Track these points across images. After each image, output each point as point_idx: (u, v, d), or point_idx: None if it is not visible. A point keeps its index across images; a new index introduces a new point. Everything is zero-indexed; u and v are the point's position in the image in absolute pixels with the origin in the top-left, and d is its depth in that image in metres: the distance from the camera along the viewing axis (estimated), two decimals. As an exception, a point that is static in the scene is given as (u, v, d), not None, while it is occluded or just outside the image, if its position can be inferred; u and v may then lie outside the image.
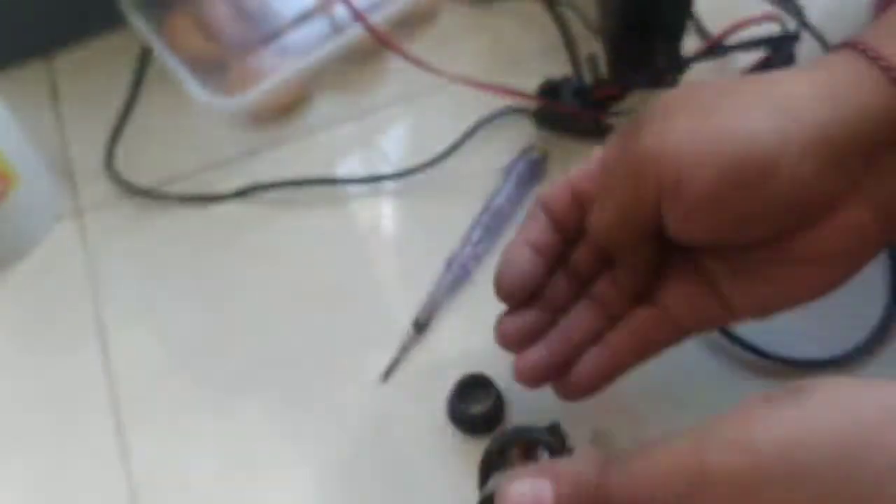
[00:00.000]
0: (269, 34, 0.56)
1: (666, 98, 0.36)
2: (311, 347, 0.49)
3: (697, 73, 0.54)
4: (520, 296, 0.40)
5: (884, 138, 0.33)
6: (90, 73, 0.59)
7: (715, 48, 0.53)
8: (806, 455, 0.27)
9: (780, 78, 0.35)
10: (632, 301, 0.40)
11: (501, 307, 0.43)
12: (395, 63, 0.56)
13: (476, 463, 0.43)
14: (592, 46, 0.56)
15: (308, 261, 0.52)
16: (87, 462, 0.47)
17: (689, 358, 0.47)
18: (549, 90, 0.53)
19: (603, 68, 0.54)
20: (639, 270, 0.39)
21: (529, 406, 0.46)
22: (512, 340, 0.41)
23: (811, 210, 0.34)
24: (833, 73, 0.34)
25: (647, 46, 0.52)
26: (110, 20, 0.57)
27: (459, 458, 0.45)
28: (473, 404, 0.46)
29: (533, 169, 0.52)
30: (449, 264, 0.50)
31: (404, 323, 0.49)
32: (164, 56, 0.54)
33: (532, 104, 0.54)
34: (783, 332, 0.46)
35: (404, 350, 0.48)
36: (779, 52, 0.53)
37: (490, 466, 0.41)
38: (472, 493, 0.44)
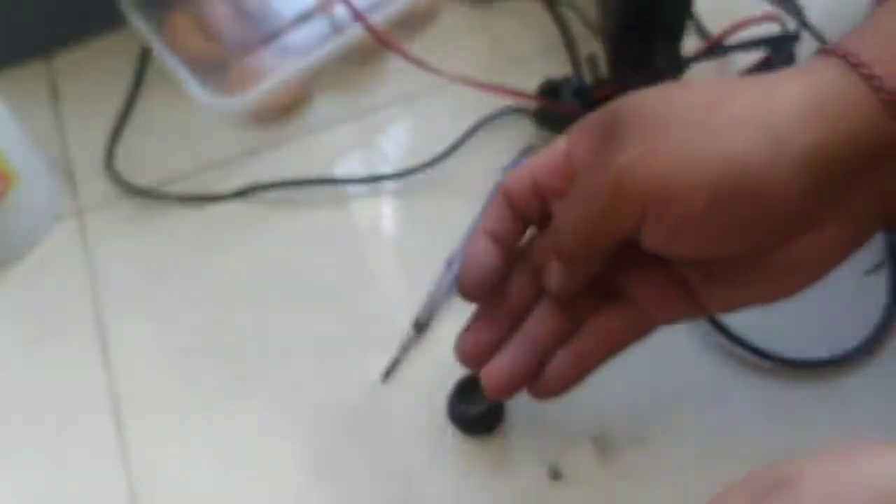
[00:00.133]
0: (269, 34, 0.56)
1: (644, 107, 0.34)
2: (311, 347, 0.49)
3: (697, 72, 0.54)
4: (481, 294, 0.40)
5: (871, 161, 0.33)
6: (90, 73, 0.59)
7: (715, 48, 0.53)
8: None
9: (767, 89, 0.33)
10: (598, 298, 0.39)
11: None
12: (395, 63, 0.56)
13: (476, 463, 0.43)
14: (592, 46, 0.56)
15: (308, 261, 0.52)
16: (87, 462, 0.47)
17: (689, 358, 0.47)
18: (549, 90, 0.53)
19: (603, 68, 0.54)
20: (591, 274, 0.38)
21: (529, 406, 0.46)
22: (471, 357, 0.40)
23: (794, 227, 0.34)
24: (822, 87, 0.33)
25: (647, 46, 0.52)
26: (110, 20, 0.57)
27: (459, 458, 0.45)
28: (473, 404, 0.46)
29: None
30: (449, 264, 0.50)
31: (404, 323, 0.49)
32: (164, 56, 0.54)
33: (532, 104, 0.54)
34: (783, 332, 0.46)
35: (404, 350, 0.48)
36: (779, 52, 0.53)
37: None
38: (472, 493, 0.45)
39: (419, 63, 0.53)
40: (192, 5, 0.56)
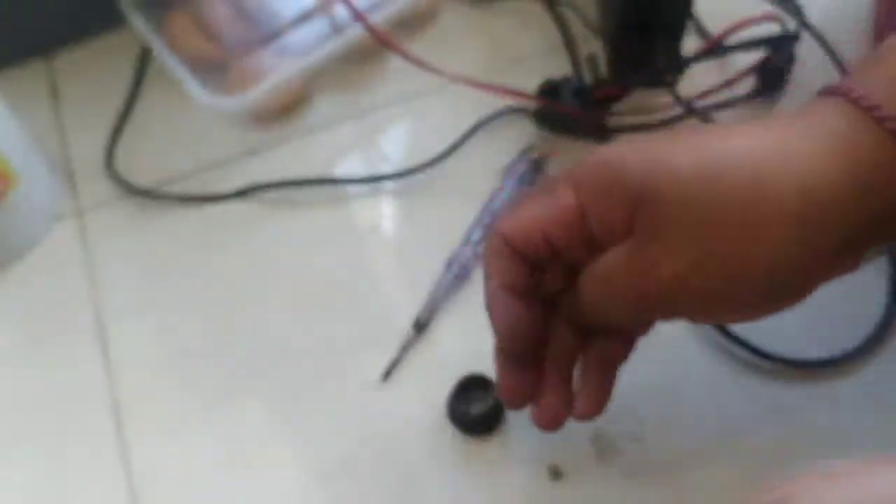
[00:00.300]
0: (269, 34, 0.56)
1: (677, 201, 0.33)
2: (311, 347, 0.49)
3: (697, 72, 0.54)
4: (527, 351, 0.40)
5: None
6: (90, 73, 0.59)
7: (715, 48, 0.53)
8: None
9: (799, 170, 0.32)
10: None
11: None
12: (395, 63, 0.56)
13: (476, 463, 0.43)
14: (592, 46, 0.56)
15: (308, 261, 0.52)
16: (87, 462, 0.47)
17: (689, 358, 0.47)
18: (549, 90, 0.53)
19: (603, 68, 0.54)
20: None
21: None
22: (517, 401, 0.41)
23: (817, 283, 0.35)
24: (860, 159, 0.32)
25: (647, 46, 0.52)
26: (110, 20, 0.57)
27: (459, 458, 0.45)
28: (473, 404, 0.46)
29: (533, 169, 0.52)
30: (449, 264, 0.50)
31: (404, 323, 0.49)
32: (164, 56, 0.54)
33: (532, 104, 0.54)
34: (783, 332, 0.46)
35: (404, 350, 0.48)
36: (779, 52, 0.53)
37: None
38: (472, 493, 0.45)
39: (419, 63, 0.53)
40: (192, 5, 0.56)
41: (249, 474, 0.46)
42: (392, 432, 0.46)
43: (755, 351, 0.46)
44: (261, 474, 0.46)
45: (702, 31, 0.57)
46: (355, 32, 0.54)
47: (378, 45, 0.55)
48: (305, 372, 0.48)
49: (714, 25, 0.56)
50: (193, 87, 0.53)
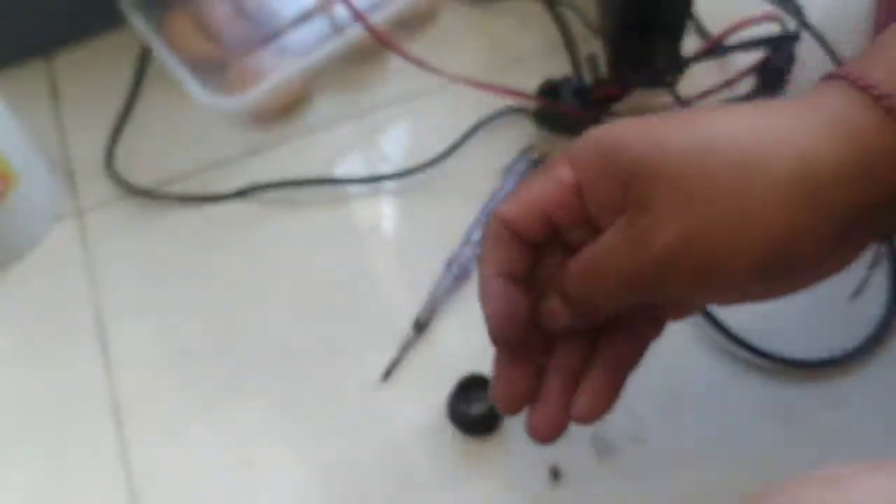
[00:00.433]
0: (269, 34, 0.56)
1: (671, 170, 0.32)
2: (311, 347, 0.49)
3: (697, 72, 0.54)
4: (519, 340, 0.38)
5: None
6: (90, 73, 0.59)
7: (715, 48, 0.53)
8: None
9: (799, 143, 0.31)
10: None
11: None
12: (395, 63, 0.56)
13: (476, 463, 0.43)
14: (592, 46, 0.56)
15: (308, 261, 0.52)
16: (87, 462, 0.47)
17: (689, 358, 0.47)
18: (549, 90, 0.53)
19: (603, 68, 0.54)
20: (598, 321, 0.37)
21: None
22: (512, 406, 0.38)
23: (821, 272, 0.34)
24: (857, 136, 0.31)
25: (647, 46, 0.52)
26: (110, 20, 0.57)
27: (459, 458, 0.45)
28: (473, 404, 0.46)
29: (533, 169, 0.52)
30: (449, 264, 0.50)
31: (404, 323, 0.49)
32: (164, 56, 0.54)
33: (532, 104, 0.54)
34: (783, 332, 0.46)
35: (404, 350, 0.48)
36: (779, 52, 0.53)
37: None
38: (471, 493, 0.45)
39: (419, 63, 0.53)
40: (192, 5, 0.56)
41: (249, 474, 0.46)
42: (392, 432, 0.46)
43: (755, 351, 0.46)
44: (261, 474, 0.46)
45: (702, 31, 0.57)
46: (355, 32, 0.54)
47: (378, 45, 0.55)
48: (305, 372, 0.48)
49: (714, 25, 0.56)
50: (193, 87, 0.53)
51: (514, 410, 0.38)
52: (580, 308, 0.36)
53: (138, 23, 0.56)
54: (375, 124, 0.56)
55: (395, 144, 0.55)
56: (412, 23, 0.58)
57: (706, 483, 0.44)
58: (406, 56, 0.53)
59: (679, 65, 0.53)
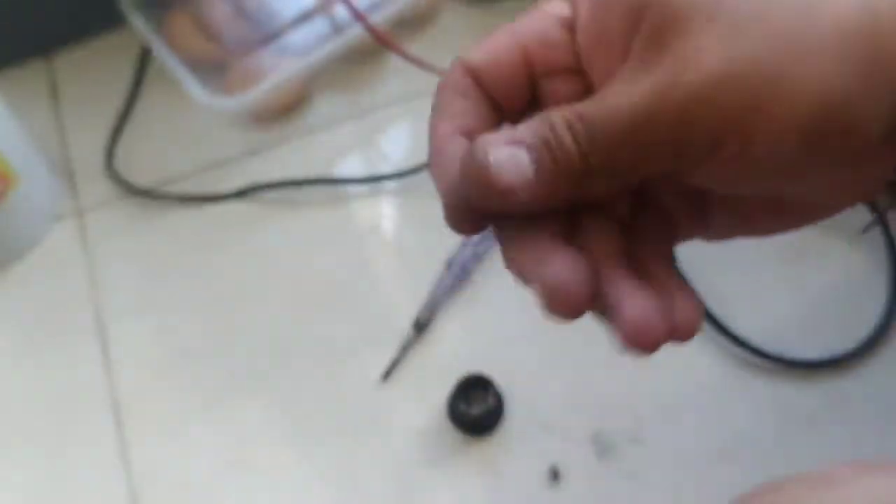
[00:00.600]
0: (269, 34, 0.56)
1: (679, 17, 0.25)
2: (311, 347, 0.49)
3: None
4: (476, 220, 0.29)
5: None
6: (90, 73, 0.59)
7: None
8: None
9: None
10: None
11: (502, 310, 0.43)
12: (395, 63, 0.56)
13: (476, 463, 0.43)
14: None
15: (308, 261, 0.52)
16: (87, 462, 0.47)
17: (689, 358, 0.47)
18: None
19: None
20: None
21: (529, 406, 0.46)
22: (579, 305, 0.27)
23: (859, 172, 0.27)
24: None
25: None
26: (110, 20, 0.57)
27: (459, 458, 0.45)
28: (473, 404, 0.46)
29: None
30: (449, 264, 0.50)
31: (404, 323, 0.49)
32: (164, 56, 0.54)
33: (532, 104, 0.54)
34: (783, 332, 0.46)
35: (404, 350, 0.48)
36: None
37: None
38: (471, 493, 0.44)
39: (419, 63, 0.53)
40: (192, 5, 0.56)
41: (249, 474, 0.46)
42: (392, 432, 0.46)
43: (755, 351, 0.46)
44: (261, 474, 0.46)
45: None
46: (355, 32, 0.54)
47: (378, 45, 0.55)
48: (305, 372, 0.48)
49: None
50: (193, 87, 0.53)
51: (576, 309, 0.27)
52: (593, 165, 0.26)
53: (138, 23, 0.56)
54: (375, 124, 0.56)
55: (395, 144, 0.55)
56: (412, 23, 0.58)
57: (706, 483, 0.44)
58: (406, 56, 0.53)
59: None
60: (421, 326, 0.48)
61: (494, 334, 0.48)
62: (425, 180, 0.54)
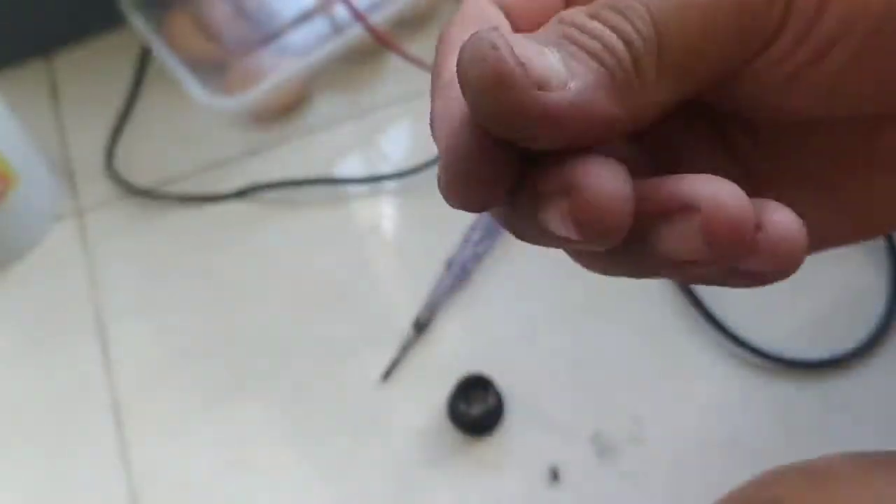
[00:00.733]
0: (269, 34, 0.56)
1: None
2: (311, 347, 0.49)
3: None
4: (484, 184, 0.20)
5: None
6: (90, 73, 0.59)
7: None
8: None
9: None
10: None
11: (502, 310, 0.42)
12: (395, 63, 0.56)
13: (476, 463, 0.43)
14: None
15: (308, 261, 0.52)
16: (87, 462, 0.47)
17: (689, 358, 0.47)
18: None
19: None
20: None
21: (529, 406, 0.46)
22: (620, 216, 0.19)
23: None
24: None
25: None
26: (110, 20, 0.57)
27: (459, 458, 0.45)
28: (473, 404, 0.46)
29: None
30: (449, 265, 0.50)
31: (404, 323, 0.49)
32: (164, 56, 0.54)
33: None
34: (783, 332, 0.46)
35: (404, 350, 0.48)
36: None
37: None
38: (471, 494, 0.45)
39: (419, 63, 0.53)
40: (192, 5, 0.56)
41: (249, 474, 0.46)
42: (392, 432, 0.46)
43: (755, 351, 0.46)
44: (261, 474, 0.46)
45: None
46: (355, 32, 0.54)
47: (378, 45, 0.55)
48: (305, 372, 0.48)
49: None
50: (193, 87, 0.53)
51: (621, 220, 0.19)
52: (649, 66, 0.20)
53: (138, 23, 0.56)
54: (375, 124, 0.56)
55: (395, 144, 0.55)
56: (412, 23, 0.58)
57: (706, 483, 0.44)
58: (406, 56, 0.53)
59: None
60: (421, 326, 0.48)
61: (494, 334, 0.48)
62: (425, 180, 0.54)
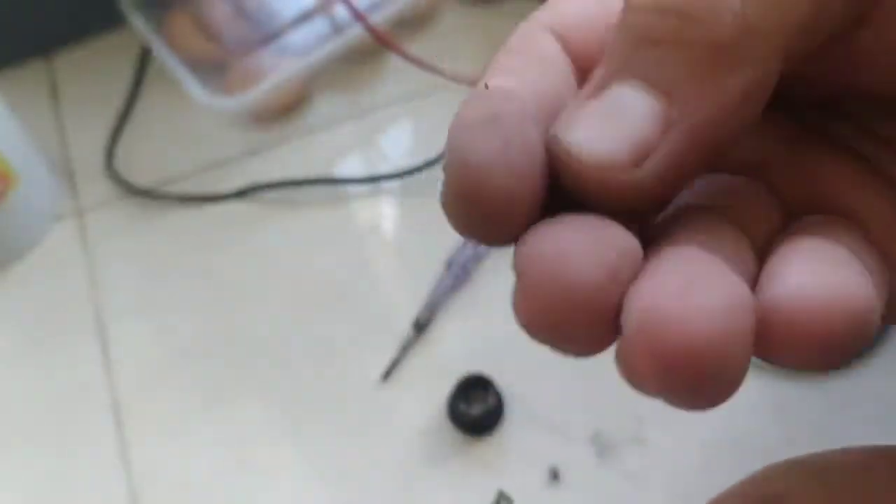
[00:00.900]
0: (269, 34, 0.56)
1: None
2: (311, 347, 0.49)
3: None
4: (519, 214, 0.17)
5: None
6: (90, 73, 0.59)
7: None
8: None
9: None
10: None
11: (502, 310, 0.43)
12: (395, 63, 0.56)
13: (476, 463, 0.43)
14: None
15: (308, 261, 0.52)
16: (87, 462, 0.47)
17: (689, 358, 0.47)
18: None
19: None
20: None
21: (529, 406, 0.46)
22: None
23: None
24: None
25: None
26: (110, 20, 0.57)
27: (459, 458, 0.45)
28: (473, 404, 0.46)
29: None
30: (449, 265, 0.50)
31: (404, 323, 0.49)
32: (164, 56, 0.54)
33: (532, 104, 0.54)
34: (783, 332, 0.46)
35: (404, 350, 0.48)
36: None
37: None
38: (471, 494, 0.44)
39: (419, 63, 0.53)
40: (192, 5, 0.56)
41: (249, 474, 0.46)
42: (392, 432, 0.46)
43: (755, 351, 0.46)
44: (261, 474, 0.46)
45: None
46: (355, 32, 0.54)
47: (378, 45, 0.55)
48: (305, 372, 0.48)
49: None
50: (193, 87, 0.53)
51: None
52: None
53: (138, 23, 0.56)
54: (375, 124, 0.56)
55: (395, 144, 0.55)
56: (412, 23, 0.58)
57: (706, 483, 0.44)
58: (406, 56, 0.53)
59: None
60: (421, 326, 0.48)
61: (494, 334, 0.48)
62: (425, 180, 0.54)
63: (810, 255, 0.16)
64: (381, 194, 0.54)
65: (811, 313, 0.15)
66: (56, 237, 0.54)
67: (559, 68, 0.19)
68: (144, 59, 0.59)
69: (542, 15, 0.21)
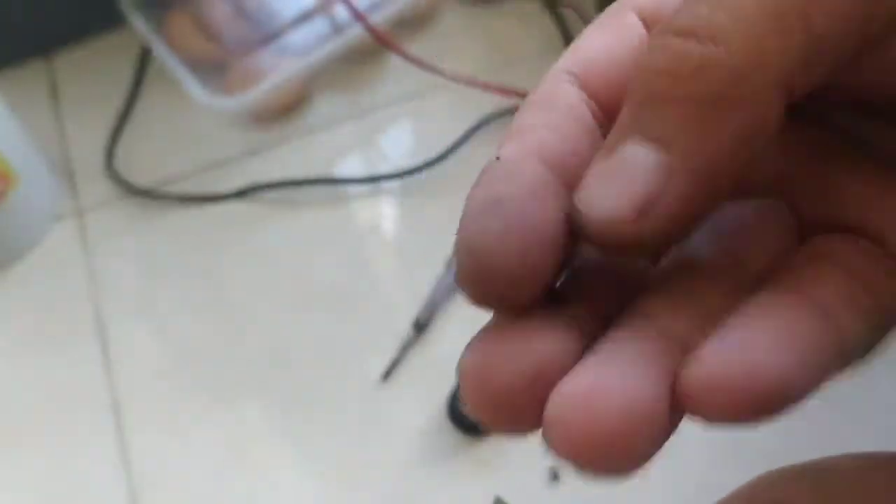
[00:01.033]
0: (269, 34, 0.56)
1: None
2: (311, 348, 0.49)
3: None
4: (527, 289, 0.18)
5: None
6: (90, 73, 0.59)
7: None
8: None
9: None
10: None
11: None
12: (395, 63, 0.56)
13: (476, 463, 0.43)
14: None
15: (308, 261, 0.52)
16: (87, 462, 0.47)
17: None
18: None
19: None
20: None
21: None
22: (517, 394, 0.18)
23: None
24: None
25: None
26: (110, 20, 0.57)
27: (459, 458, 0.45)
28: (473, 404, 0.46)
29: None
30: (449, 264, 0.50)
31: (404, 323, 0.49)
32: (164, 56, 0.54)
33: (532, 104, 0.54)
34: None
35: (404, 350, 0.48)
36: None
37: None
38: (471, 494, 0.44)
39: (419, 63, 0.53)
40: (192, 5, 0.56)
41: (249, 474, 0.46)
42: (392, 432, 0.46)
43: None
44: (261, 474, 0.46)
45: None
46: (355, 32, 0.54)
47: (378, 45, 0.55)
48: (305, 372, 0.48)
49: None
50: (193, 87, 0.53)
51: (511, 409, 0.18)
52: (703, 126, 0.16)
53: (138, 23, 0.56)
54: (375, 124, 0.56)
55: (395, 144, 0.55)
56: (412, 23, 0.58)
57: (707, 484, 0.44)
58: (406, 56, 0.53)
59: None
60: (421, 326, 0.48)
61: (494, 334, 0.48)
62: (425, 180, 0.54)
63: (741, 333, 0.17)
64: (381, 194, 0.54)
65: (716, 394, 0.16)
66: (56, 237, 0.54)
67: (580, 118, 0.19)
68: (144, 59, 0.59)
69: (564, 62, 0.20)
